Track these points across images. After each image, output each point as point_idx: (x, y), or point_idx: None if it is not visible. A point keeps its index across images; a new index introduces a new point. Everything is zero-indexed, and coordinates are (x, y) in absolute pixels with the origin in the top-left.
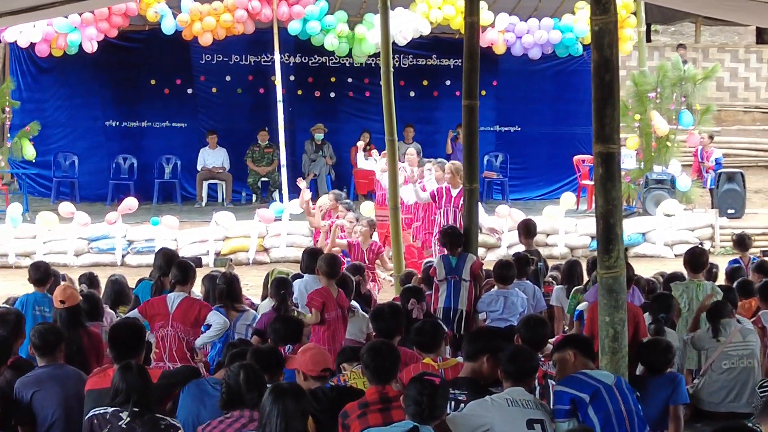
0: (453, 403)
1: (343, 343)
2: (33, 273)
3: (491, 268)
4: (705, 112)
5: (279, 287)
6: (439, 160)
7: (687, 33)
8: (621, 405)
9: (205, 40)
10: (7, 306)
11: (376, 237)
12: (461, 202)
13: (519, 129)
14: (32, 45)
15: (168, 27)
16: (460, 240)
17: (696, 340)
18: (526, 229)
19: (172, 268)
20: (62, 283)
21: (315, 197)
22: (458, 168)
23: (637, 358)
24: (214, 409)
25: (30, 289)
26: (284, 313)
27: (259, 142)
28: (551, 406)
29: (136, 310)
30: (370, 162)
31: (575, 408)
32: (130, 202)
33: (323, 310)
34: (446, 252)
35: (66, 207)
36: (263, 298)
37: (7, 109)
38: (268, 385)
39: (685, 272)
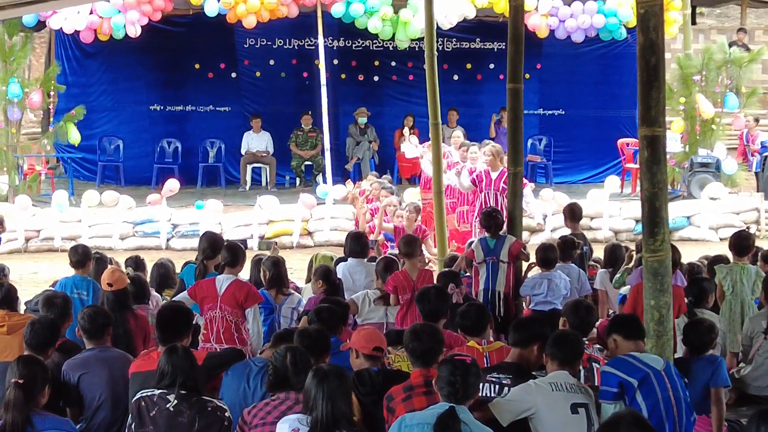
0: (497, 386)
1: None
2: (72, 256)
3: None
4: (750, 95)
5: (326, 276)
6: (485, 142)
7: (732, 15)
8: (669, 391)
9: (249, 22)
10: (53, 289)
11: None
12: (501, 184)
13: (563, 112)
14: (77, 32)
15: (211, 9)
16: (500, 222)
17: (748, 323)
18: (572, 213)
19: (222, 250)
20: (110, 266)
21: (359, 181)
22: (498, 151)
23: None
24: (257, 389)
25: (73, 272)
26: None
27: (302, 126)
28: (597, 387)
29: (185, 292)
30: (410, 147)
31: (623, 391)
32: (172, 184)
33: (396, 293)
34: (487, 234)
35: (110, 194)
36: (308, 281)
37: (53, 93)
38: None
39: (730, 255)
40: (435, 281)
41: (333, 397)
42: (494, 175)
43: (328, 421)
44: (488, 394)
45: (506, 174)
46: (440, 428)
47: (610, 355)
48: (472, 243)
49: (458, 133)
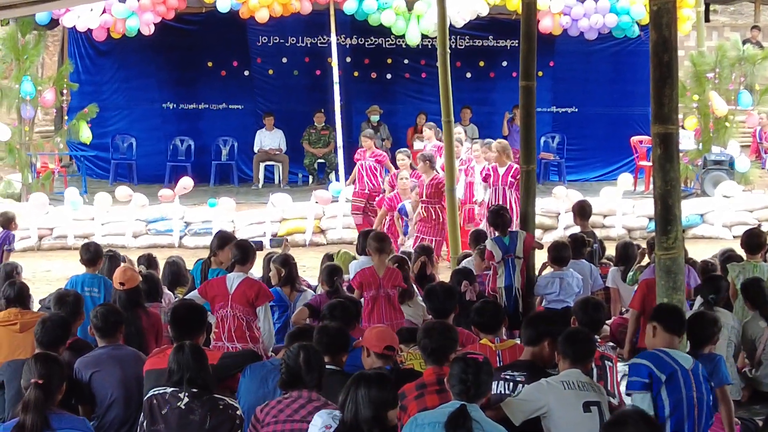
0: (511, 384)
1: (386, 323)
2: (83, 254)
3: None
4: (764, 92)
5: (332, 275)
6: (486, 141)
7: (746, 13)
8: (694, 392)
9: (262, 16)
10: (66, 288)
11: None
12: (509, 178)
13: (576, 110)
14: (90, 30)
15: (224, 4)
16: (507, 219)
17: (746, 327)
18: (582, 211)
19: (233, 247)
20: (122, 264)
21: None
22: (504, 147)
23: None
24: (277, 389)
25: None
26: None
27: (315, 123)
28: (627, 378)
29: (195, 291)
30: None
31: (652, 382)
32: (186, 182)
33: (361, 289)
34: (497, 233)
35: (123, 191)
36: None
37: (66, 91)
38: (330, 367)
39: (743, 253)
40: (400, 281)
41: (359, 403)
42: (501, 171)
43: (352, 426)
44: (502, 392)
45: (513, 168)
46: (452, 427)
47: (646, 343)
48: (476, 230)
49: (458, 129)
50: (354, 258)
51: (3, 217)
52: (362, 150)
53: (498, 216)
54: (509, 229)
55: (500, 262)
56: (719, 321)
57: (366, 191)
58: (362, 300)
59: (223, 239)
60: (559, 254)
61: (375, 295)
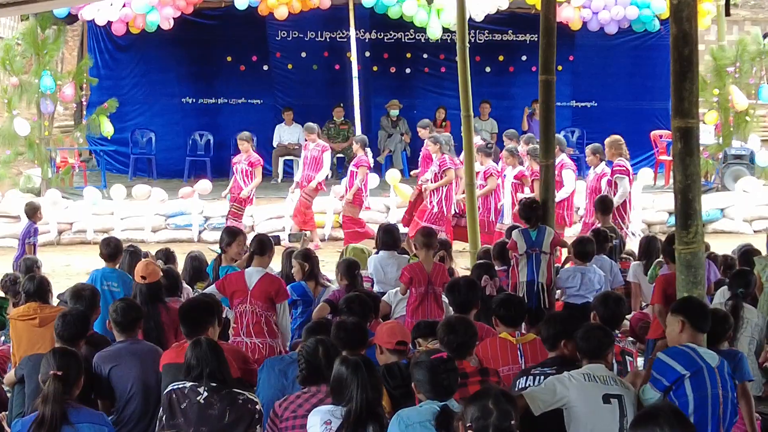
0: (541, 377)
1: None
2: (104, 248)
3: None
4: None
5: (350, 269)
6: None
7: (767, 6)
8: (719, 389)
9: (281, 13)
10: (83, 282)
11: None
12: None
13: (596, 104)
14: (109, 23)
15: (242, 1)
16: (540, 214)
17: None
18: (602, 206)
19: (252, 241)
20: (144, 259)
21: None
22: (614, 141)
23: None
24: (296, 382)
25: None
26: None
27: (334, 118)
28: (653, 374)
29: (214, 285)
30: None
31: (671, 387)
32: (204, 185)
33: (410, 285)
34: (526, 225)
35: (141, 189)
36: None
37: (85, 86)
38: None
39: (763, 248)
40: (447, 279)
41: (367, 387)
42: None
43: (362, 412)
44: (531, 386)
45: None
46: (442, 426)
47: (667, 334)
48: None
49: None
50: (363, 251)
51: (28, 206)
52: (240, 153)
53: (530, 209)
54: (539, 224)
55: (523, 255)
56: (730, 318)
57: (238, 195)
58: (407, 295)
59: (231, 234)
60: (584, 249)
61: (424, 292)
